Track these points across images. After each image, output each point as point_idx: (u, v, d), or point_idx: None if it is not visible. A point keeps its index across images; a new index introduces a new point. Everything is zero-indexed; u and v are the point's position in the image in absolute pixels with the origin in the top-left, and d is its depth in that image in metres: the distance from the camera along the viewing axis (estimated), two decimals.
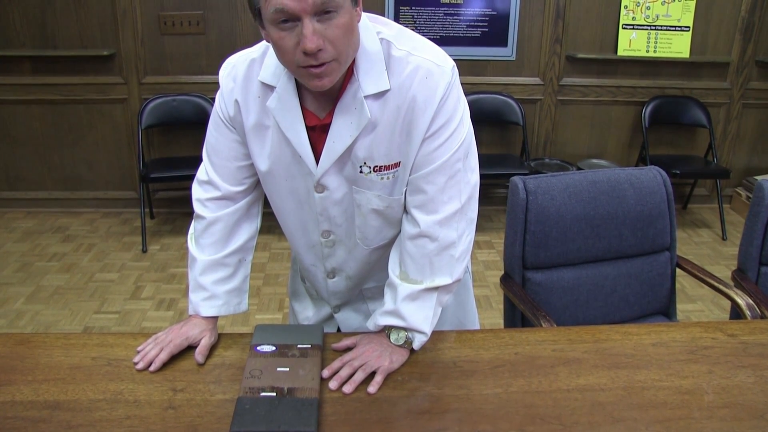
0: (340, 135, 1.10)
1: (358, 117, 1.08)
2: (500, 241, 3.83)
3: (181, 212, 4.12)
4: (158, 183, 3.93)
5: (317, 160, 1.14)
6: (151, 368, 1.17)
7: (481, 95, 3.96)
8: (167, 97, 3.85)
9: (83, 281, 3.32)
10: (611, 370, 1.21)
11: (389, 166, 1.13)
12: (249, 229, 1.30)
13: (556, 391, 1.15)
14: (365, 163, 1.13)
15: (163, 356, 1.18)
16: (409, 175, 1.15)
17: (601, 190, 1.89)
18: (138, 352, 1.21)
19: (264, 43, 1.14)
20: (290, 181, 1.20)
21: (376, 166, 1.13)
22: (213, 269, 1.27)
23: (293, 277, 1.55)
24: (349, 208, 1.21)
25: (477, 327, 1.54)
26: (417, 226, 1.17)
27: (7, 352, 1.21)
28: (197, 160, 1.29)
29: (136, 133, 3.89)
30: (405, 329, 1.19)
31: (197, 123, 3.79)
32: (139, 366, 1.17)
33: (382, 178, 1.15)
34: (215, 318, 1.28)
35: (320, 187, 1.18)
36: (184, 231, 3.80)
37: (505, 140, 4.20)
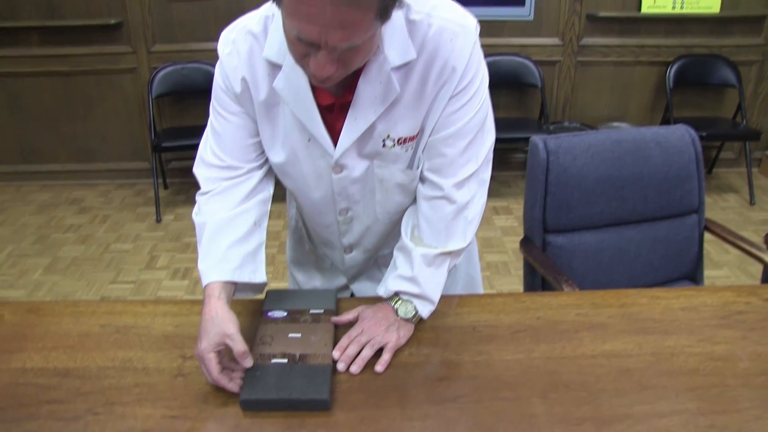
0: (363, 112, 1.03)
1: (384, 91, 1.01)
2: (518, 207, 3.77)
3: (195, 182, 4.03)
4: (170, 152, 3.90)
5: (334, 139, 1.07)
6: (231, 387, 1.01)
7: (498, 57, 3.85)
8: (177, 66, 3.79)
9: (99, 252, 3.32)
10: (638, 336, 1.16)
11: (413, 136, 1.08)
12: (262, 196, 1.20)
13: (581, 357, 1.10)
14: (388, 136, 1.06)
15: (224, 382, 1.01)
16: (428, 138, 1.09)
17: (626, 149, 1.81)
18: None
19: (263, 13, 1.04)
20: (305, 165, 1.13)
21: (400, 138, 1.07)
22: (224, 231, 1.12)
23: (294, 247, 1.48)
24: (368, 184, 1.15)
25: (481, 282, 1.49)
26: (436, 189, 1.11)
27: (17, 319, 1.20)
28: None
29: (146, 103, 3.85)
30: (416, 296, 1.14)
31: (208, 91, 3.69)
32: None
33: (406, 150, 1.09)
34: (228, 299, 1.08)
35: (338, 167, 1.11)
36: None
37: (522, 103, 4.10)
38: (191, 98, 3.94)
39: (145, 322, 1.19)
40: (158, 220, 3.67)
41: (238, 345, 1.00)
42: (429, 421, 0.95)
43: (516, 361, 1.09)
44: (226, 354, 1.05)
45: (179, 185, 4.15)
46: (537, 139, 1.77)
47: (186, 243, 3.41)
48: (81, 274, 3.10)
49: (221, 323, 1.01)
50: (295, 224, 1.43)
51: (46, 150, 4.16)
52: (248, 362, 1.01)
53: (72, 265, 3.19)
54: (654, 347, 1.12)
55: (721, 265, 3.14)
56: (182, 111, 4.01)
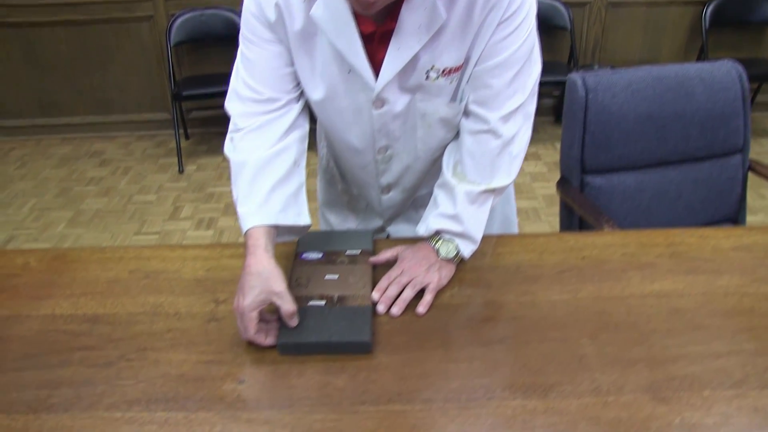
0: (407, 41, 0.96)
1: (429, 19, 0.94)
2: (547, 152, 3.70)
3: (216, 132, 4.05)
4: (191, 101, 3.84)
5: (375, 71, 1.00)
6: (268, 342, 0.96)
7: None
8: (195, 12, 3.68)
9: (122, 204, 3.31)
10: (688, 275, 1.11)
11: (459, 67, 1.01)
12: (300, 133, 1.12)
13: (630, 297, 1.05)
14: (433, 66, 0.99)
15: (261, 340, 0.96)
16: (473, 68, 1.02)
17: (668, 86, 1.73)
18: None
19: None
20: (344, 100, 1.06)
21: (445, 69, 1.00)
22: (265, 171, 1.05)
23: (326, 188, 1.43)
24: (410, 119, 1.09)
25: (517, 223, 1.44)
26: (481, 122, 1.05)
27: (43, 267, 1.18)
28: (230, 77, 1.11)
29: (165, 52, 3.77)
30: (458, 235, 1.09)
31: (228, 38, 3.66)
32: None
33: (451, 82, 1.03)
34: (273, 250, 1.00)
35: (379, 101, 1.05)
36: (220, 150, 3.67)
37: (551, 46, 3.96)
38: (211, 46, 3.84)
39: (175, 267, 1.16)
40: (180, 171, 3.64)
41: (288, 305, 0.94)
42: (475, 363, 0.91)
43: (562, 301, 1.04)
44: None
45: (200, 135, 4.09)
46: (575, 76, 1.69)
47: (209, 193, 3.38)
48: (105, 227, 3.09)
49: (269, 279, 0.94)
50: (326, 164, 1.37)
51: (64, 102, 4.12)
52: (294, 322, 0.96)
53: (95, 217, 3.19)
54: (705, 287, 1.08)
55: (757, 210, 3.05)
56: (202, 59, 3.92)
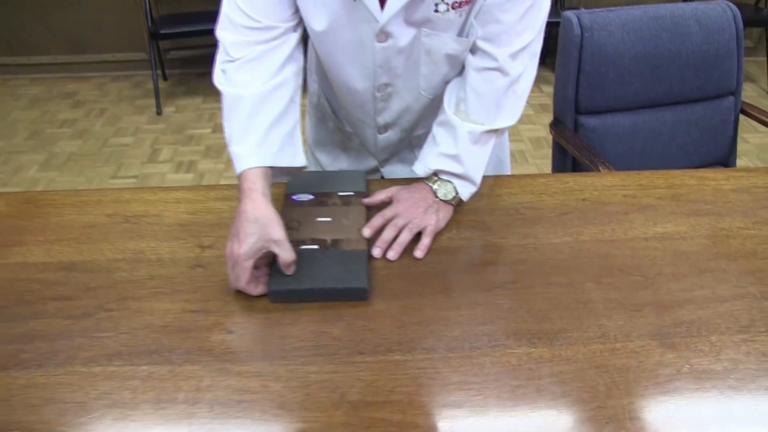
0: None
1: None
2: (532, 95, 3.59)
3: (196, 73, 3.88)
4: (169, 40, 3.69)
5: (381, 2, 0.94)
6: (260, 291, 0.91)
7: None
8: None
9: (97, 146, 3.22)
10: (690, 218, 1.08)
11: (469, 0, 0.95)
12: (296, 66, 1.04)
13: (633, 240, 1.02)
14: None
15: (251, 289, 0.91)
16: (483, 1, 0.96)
17: (664, 26, 1.69)
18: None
19: None
20: (346, 32, 0.99)
21: (455, 2, 0.94)
22: (262, 108, 0.97)
23: (316, 126, 1.36)
24: (414, 55, 1.03)
25: (509, 166, 1.40)
26: (489, 59, 1.00)
27: (13, 211, 1.10)
28: (210, 15, 1.01)
29: None
30: (458, 176, 1.05)
31: None
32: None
33: (460, 15, 0.97)
34: (269, 195, 0.94)
35: (383, 35, 0.98)
36: (199, 92, 3.62)
37: None
38: None
39: (157, 211, 1.10)
40: (158, 113, 3.52)
41: (287, 253, 0.88)
42: (478, 309, 0.88)
43: (565, 243, 1.01)
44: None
45: (179, 76, 3.93)
46: (571, 14, 1.64)
47: (189, 135, 3.27)
48: (80, 170, 3.00)
49: (267, 226, 0.88)
50: (317, 100, 1.30)
51: (34, 41, 3.95)
52: (291, 270, 0.91)
53: (69, 160, 3.09)
54: (708, 229, 1.05)
55: (740, 154, 3.06)
56: None
